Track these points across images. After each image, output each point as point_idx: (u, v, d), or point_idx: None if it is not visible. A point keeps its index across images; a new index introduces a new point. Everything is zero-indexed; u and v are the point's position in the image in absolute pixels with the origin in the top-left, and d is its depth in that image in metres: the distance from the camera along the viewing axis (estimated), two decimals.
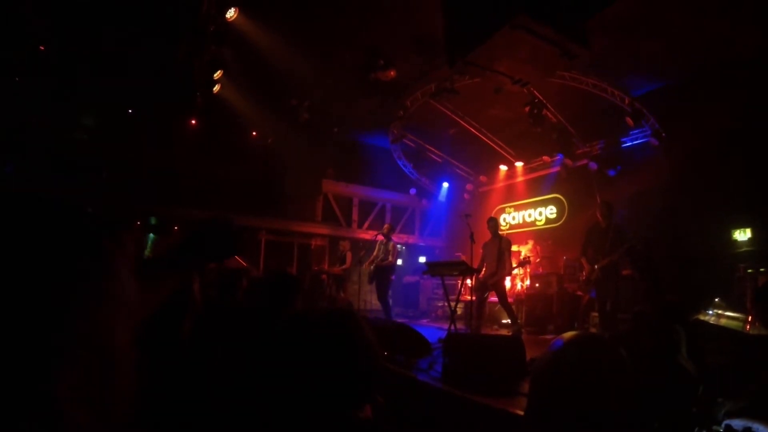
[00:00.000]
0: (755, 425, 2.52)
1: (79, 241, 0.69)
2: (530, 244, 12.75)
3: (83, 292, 0.67)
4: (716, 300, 7.15)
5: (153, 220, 12.58)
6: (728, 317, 6.49)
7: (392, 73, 10.61)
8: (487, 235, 9.41)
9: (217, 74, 11.22)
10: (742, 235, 8.91)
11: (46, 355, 0.61)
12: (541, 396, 1.43)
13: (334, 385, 1.44)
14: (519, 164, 14.57)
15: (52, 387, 0.60)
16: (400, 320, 10.00)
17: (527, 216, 14.69)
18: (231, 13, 9.58)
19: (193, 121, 14.16)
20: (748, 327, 6.18)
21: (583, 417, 1.30)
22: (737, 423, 2.57)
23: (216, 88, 11.70)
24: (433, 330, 9.50)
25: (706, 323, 6.17)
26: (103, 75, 11.32)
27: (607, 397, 1.32)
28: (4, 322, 0.60)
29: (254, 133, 15.40)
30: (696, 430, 2.52)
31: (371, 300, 12.97)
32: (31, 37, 10.12)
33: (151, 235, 12.35)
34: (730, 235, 9.05)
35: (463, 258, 9.79)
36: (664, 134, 10.49)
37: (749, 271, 7.88)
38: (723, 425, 2.57)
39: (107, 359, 0.67)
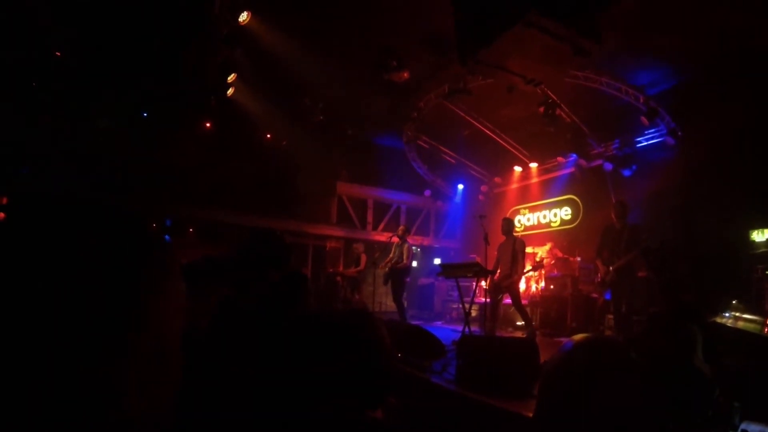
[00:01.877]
0: None
1: (147, 248, 0.79)
2: (548, 246, 12.65)
3: (151, 292, 0.76)
4: (734, 302, 7.04)
5: (168, 222, 12.67)
6: (746, 319, 6.38)
7: (405, 74, 10.61)
8: (502, 237, 9.37)
9: (231, 77, 11.29)
10: (760, 235, 8.75)
11: (120, 347, 0.71)
12: (550, 398, 1.42)
13: (347, 386, 1.44)
14: (533, 165, 14.48)
15: (121, 376, 0.70)
16: (414, 322, 10.00)
17: (542, 217, 14.62)
18: (244, 17, 9.64)
19: (208, 124, 14.25)
20: (766, 330, 6.08)
21: (592, 420, 1.28)
22: (754, 428, 2.53)
23: (230, 91, 11.77)
24: (447, 332, 9.48)
25: (723, 325, 6.08)
26: (118, 78, 11.43)
27: (617, 401, 1.30)
28: (87, 318, 0.68)
29: (268, 135, 15.47)
30: None
31: (386, 302, 12.99)
32: (48, 42, 10.25)
33: (167, 236, 12.44)
34: (748, 236, 8.89)
35: (478, 260, 9.75)
36: (680, 133, 10.37)
37: (767, 272, 7.75)
38: (739, 429, 2.53)
39: (163, 352, 0.77)
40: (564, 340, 1.44)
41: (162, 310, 0.78)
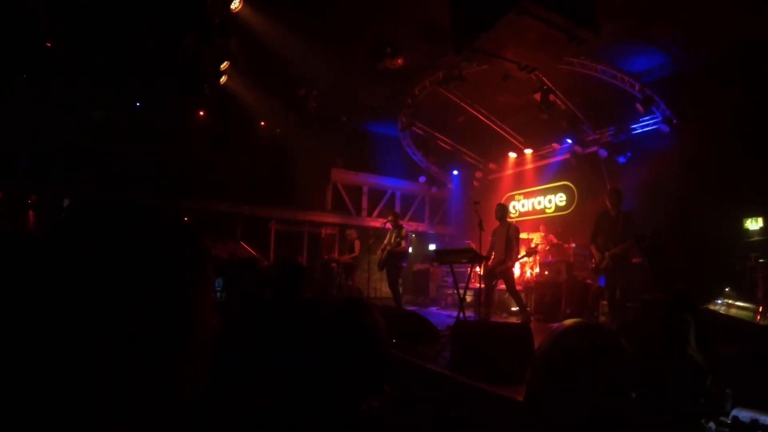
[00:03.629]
0: (762, 417, 2.51)
1: (188, 246, 0.81)
2: (542, 232, 12.68)
3: (197, 289, 0.79)
4: (727, 290, 7.09)
5: None
6: (739, 307, 6.42)
7: (400, 61, 10.57)
8: (497, 223, 9.38)
9: (224, 65, 11.24)
10: (754, 224, 8.80)
11: (174, 344, 0.74)
12: (539, 381, 1.43)
13: (343, 375, 1.44)
14: (528, 151, 14.49)
15: (177, 371, 0.74)
16: (410, 308, 10.03)
17: (537, 203, 14.65)
18: (236, 4, 9.57)
19: (202, 113, 14.19)
20: (758, 317, 6.13)
21: (580, 404, 1.30)
22: (745, 414, 2.56)
23: (223, 79, 11.71)
24: (442, 317, 9.53)
25: (716, 313, 6.11)
26: (111, 69, 11.34)
27: (607, 386, 1.31)
28: (140, 317, 0.71)
29: (263, 124, 15.41)
30: (704, 420, 2.51)
31: (381, 288, 13.00)
32: (39, 35, 10.15)
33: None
34: (741, 224, 8.94)
35: (473, 245, 9.77)
36: (675, 120, 10.38)
37: (761, 260, 7.79)
38: (731, 416, 2.56)
39: (203, 344, 0.80)
40: (558, 325, 1.45)
41: (204, 306, 0.80)
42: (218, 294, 3.74)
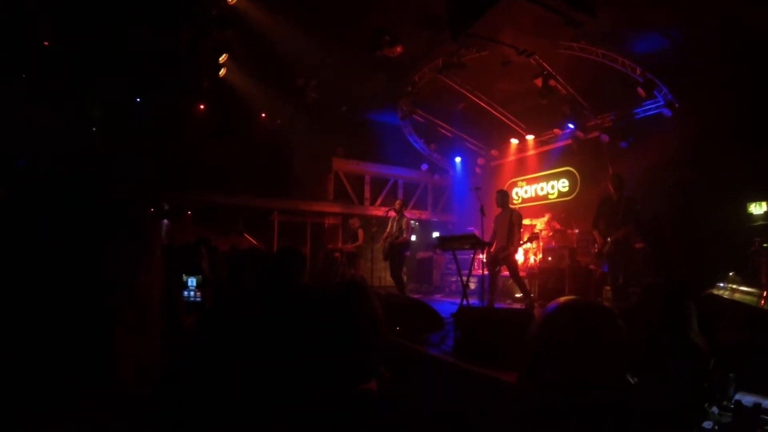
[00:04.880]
0: (766, 401, 2.50)
1: (131, 225, 0.86)
2: (546, 218, 12.67)
3: (131, 262, 0.83)
4: (730, 274, 7.07)
5: (165, 206, 12.64)
6: (742, 292, 6.40)
7: (399, 48, 10.51)
8: (499, 209, 9.38)
9: (222, 58, 11.22)
10: (758, 208, 8.77)
11: (105, 315, 0.77)
12: (530, 360, 1.42)
13: (339, 356, 1.44)
14: (530, 137, 14.44)
15: (110, 343, 0.76)
16: (414, 296, 10.03)
17: (539, 189, 14.62)
18: None
19: (201, 106, 14.18)
20: (762, 302, 6.11)
21: (573, 384, 1.28)
22: (748, 399, 2.55)
23: (222, 71, 11.69)
24: (446, 305, 9.52)
25: (719, 297, 6.10)
26: (109, 65, 11.31)
27: (600, 364, 1.30)
28: (68, 289, 0.74)
29: (263, 115, 15.39)
30: (706, 405, 2.51)
31: (385, 277, 13.03)
32: (36, 33, 10.11)
33: (165, 221, 12.44)
34: (745, 209, 8.91)
35: (476, 233, 9.77)
36: (677, 105, 10.32)
37: (765, 245, 7.77)
38: (734, 401, 2.55)
39: (146, 321, 0.84)
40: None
41: (143, 281, 0.85)
42: (192, 293, 3.74)
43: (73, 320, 0.74)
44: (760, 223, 8.55)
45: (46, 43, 10.44)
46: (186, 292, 3.73)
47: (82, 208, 0.82)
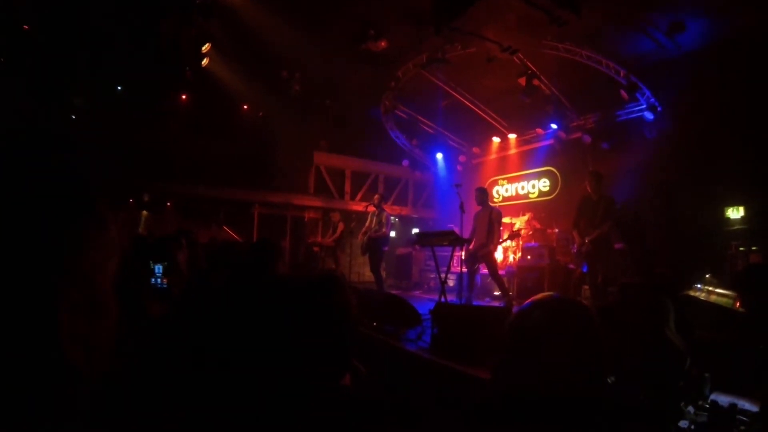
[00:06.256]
0: (741, 401, 2.51)
1: (76, 201, 0.86)
2: (527, 216, 12.70)
3: (80, 243, 0.82)
4: (707, 276, 7.15)
5: (146, 197, 12.47)
6: (718, 294, 6.48)
7: (383, 43, 10.45)
8: (479, 207, 9.37)
9: (205, 47, 11.09)
10: (735, 213, 8.89)
11: (48, 295, 0.75)
12: (502, 356, 1.40)
13: (312, 350, 1.41)
14: (512, 136, 14.48)
15: (55, 325, 0.75)
16: (392, 292, 10.01)
17: (520, 188, 14.65)
18: None
19: (183, 97, 14.04)
20: (737, 304, 6.18)
21: (545, 381, 1.25)
22: (723, 399, 2.56)
23: (204, 61, 11.56)
24: (425, 301, 9.51)
25: (695, 298, 6.18)
26: (91, 53, 11.12)
27: (574, 361, 1.27)
28: (12, 266, 0.73)
29: (245, 107, 15.28)
30: (682, 404, 2.51)
31: (364, 272, 13.00)
32: (16, 17, 9.91)
33: (144, 212, 12.28)
34: (723, 213, 9.03)
35: (455, 229, 9.77)
36: (659, 108, 10.38)
37: (741, 249, 7.90)
38: (709, 400, 2.56)
39: (95, 301, 0.82)
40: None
41: (92, 260, 0.83)
42: (159, 280, 3.69)
43: (9, 298, 0.72)
44: (737, 227, 8.69)
45: (26, 27, 10.24)
46: (153, 279, 3.66)
47: (22, 181, 0.82)
